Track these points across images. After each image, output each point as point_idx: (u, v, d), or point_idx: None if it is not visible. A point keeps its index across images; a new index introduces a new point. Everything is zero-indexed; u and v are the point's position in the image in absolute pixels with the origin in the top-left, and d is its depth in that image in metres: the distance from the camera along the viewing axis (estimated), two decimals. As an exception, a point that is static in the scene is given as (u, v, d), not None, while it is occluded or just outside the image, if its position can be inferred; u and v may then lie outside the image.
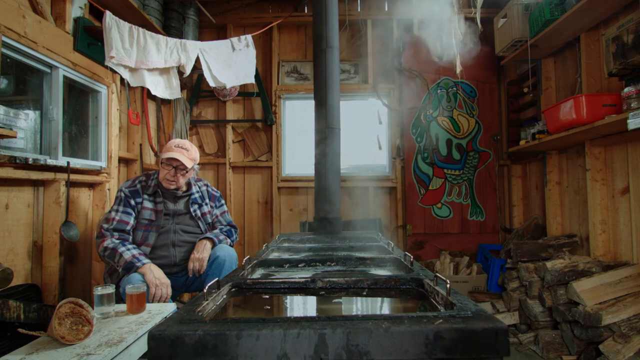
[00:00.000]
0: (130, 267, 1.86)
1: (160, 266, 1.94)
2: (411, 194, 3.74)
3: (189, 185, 2.21)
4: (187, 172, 2.09)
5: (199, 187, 2.27)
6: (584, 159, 2.76)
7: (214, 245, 2.11)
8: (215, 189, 2.37)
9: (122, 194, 2.05)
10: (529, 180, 3.71)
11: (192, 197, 2.20)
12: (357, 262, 1.55)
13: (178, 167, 2.05)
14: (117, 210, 2.02)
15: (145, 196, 2.09)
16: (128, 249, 1.91)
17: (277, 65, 3.98)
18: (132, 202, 2.05)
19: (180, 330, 0.80)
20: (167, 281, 1.88)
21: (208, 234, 2.15)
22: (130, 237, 2.02)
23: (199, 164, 2.20)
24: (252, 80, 3.33)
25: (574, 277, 2.48)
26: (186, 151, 2.07)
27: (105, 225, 2.00)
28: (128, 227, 2.01)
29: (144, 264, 1.87)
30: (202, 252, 2.04)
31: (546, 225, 3.31)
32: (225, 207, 2.36)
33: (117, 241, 1.94)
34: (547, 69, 3.34)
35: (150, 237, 2.05)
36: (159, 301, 1.83)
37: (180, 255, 2.10)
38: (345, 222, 3.27)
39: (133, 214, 2.04)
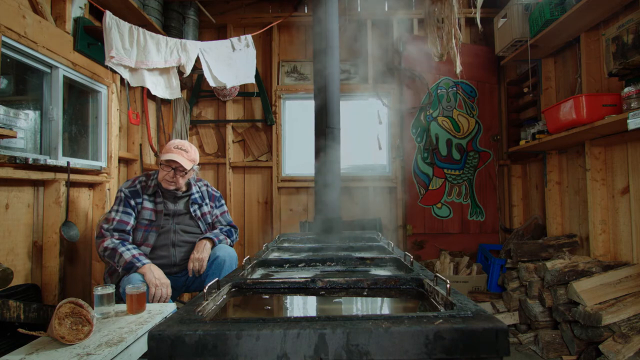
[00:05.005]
0: (130, 267, 1.86)
1: (160, 266, 1.95)
2: (411, 194, 3.73)
3: (189, 185, 2.21)
4: (186, 173, 2.09)
5: (199, 187, 2.27)
6: (584, 159, 2.76)
7: (213, 245, 2.11)
8: (215, 189, 2.37)
9: (122, 194, 2.05)
10: (529, 180, 3.71)
11: (192, 197, 2.20)
12: (357, 262, 1.55)
13: (177, 168, 2.05)
14: (117, 211, 2.02)
15: (145, 196, 2.09)
16: (128, 249, 1.91)
17: (277, 65, 3.98)
18: (132, 202, 2.05)
19: (180, 330, 0.80)
20: (167, 281, 1.88)
21: (208, 234, 2.15)
22: (130, 238, 2.02)
23: (199, 164, 2.20)
24: (252, 80, 3.34)
25: (574, 277, 2.48)
26: (185, 152, 2.07)
27: (105, 226, 2.00)
28: (128, 228, 2.01)
29: (143, 264, 1.87)
30: (202, 252, 2.04)
31: (546, 225, 3.31)
32: (225, 207, 2.36)
33: (117, 241, 1.94)
34: (547, 69, 3.34)
35: (150, 237, 2.05)
36: (159, 301, 1.83)
37: (180, 255, 2.10)
38: (345, 222, 3.27)
39: (133, 214, 2.04)
